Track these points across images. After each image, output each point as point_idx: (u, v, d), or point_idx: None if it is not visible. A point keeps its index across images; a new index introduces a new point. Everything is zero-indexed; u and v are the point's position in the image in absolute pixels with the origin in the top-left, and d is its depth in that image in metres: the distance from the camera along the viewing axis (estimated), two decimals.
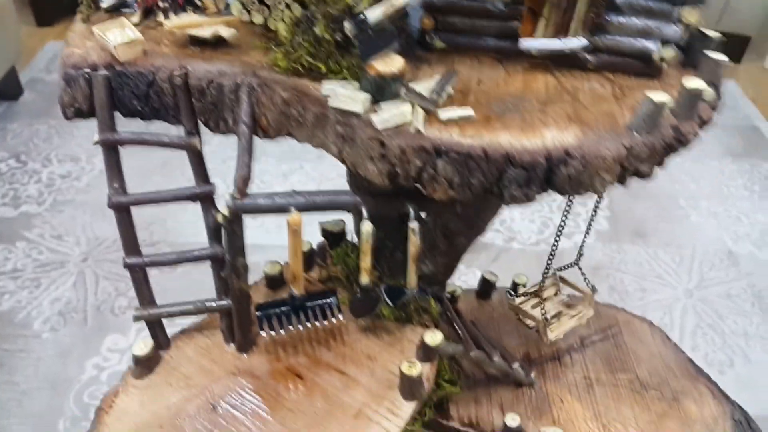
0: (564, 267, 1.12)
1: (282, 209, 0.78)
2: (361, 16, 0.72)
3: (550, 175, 0.73)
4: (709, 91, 0.80)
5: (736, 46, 3.06)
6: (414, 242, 0.81)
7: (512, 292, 1.09)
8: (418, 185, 0.74)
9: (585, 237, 1.08)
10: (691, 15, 0.79)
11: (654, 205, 2.29)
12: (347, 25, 0.73)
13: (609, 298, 1.91)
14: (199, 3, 0.96)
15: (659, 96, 0.72)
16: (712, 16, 2.93)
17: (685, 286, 1.99)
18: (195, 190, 0.85)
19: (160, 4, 0.94)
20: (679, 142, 0.76)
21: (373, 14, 0.73)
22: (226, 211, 0.77)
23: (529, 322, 1.04)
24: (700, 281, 2.01)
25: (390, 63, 0.76)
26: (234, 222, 0.79)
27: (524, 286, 1.14)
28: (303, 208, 0.79)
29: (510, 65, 0.86)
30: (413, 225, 0.80)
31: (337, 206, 0.80)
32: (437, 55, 0.87)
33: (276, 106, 0.81)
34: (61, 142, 2.37)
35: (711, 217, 2.27)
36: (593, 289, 1.09)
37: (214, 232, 0.85)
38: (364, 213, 0.80)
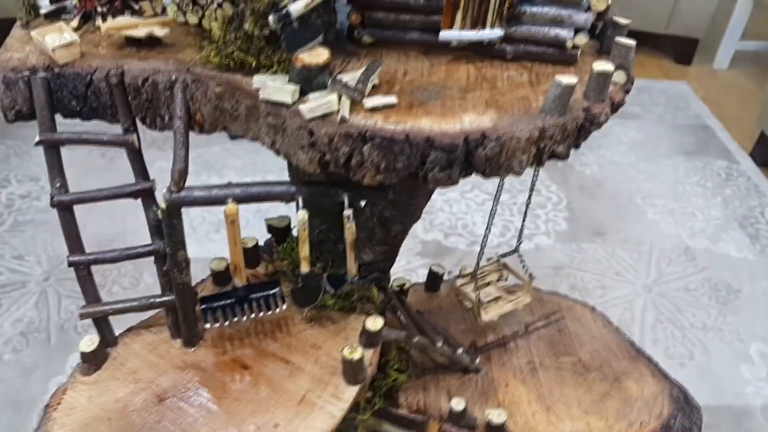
0: (506, 254, 1.17)
1: (219, 201, 0.82)
2: (284, 9, 0.78)
3: (470, 157, 0.79)
4: (619, 74, 0.87)
5: (685, 48, 3.19)
6: (350, 229, 0.85)
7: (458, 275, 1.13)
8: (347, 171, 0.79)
9: (523, 222, 1.14)
10: (599, 2, 0.86)
11: (611, 204, 2.37)
12: (271, 19, 0.78)
13: (570, 295, 1.96)
14: (136, 7, 1.00)
15: (567, 79, 0.78)
16: (661, 19, 3.06)
17: (644, 282, 2.05)
18: (135, 186, 0.89)
19: (98, 8, 0.98)
20: (590, 123, 0.82)
21: (296, 7, 0.78)
22: (164, 205, 0.81)
23: (467, 303, 1.09)
24: (659, 276, 2.08)
25: (316, 55, 0.81)
26: (173, 215, 0.83)
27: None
28: (240, 199, 0.83)
29: (435, 57, 0.92)
30: (347, 213, 0.84)
31: (273, 197, 0.85)
32: (366, 50, 0.93)
33: (210, 100, 0.86)
34: (19, 162, 2.38)
35: (667, 214, 2.35)
36: (531, 277, 1.14)
37: (155, 228, 0.89)
38: (300, 202, 0.84)
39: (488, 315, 1.06)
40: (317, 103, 0.79)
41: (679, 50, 3.20)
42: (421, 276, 2.07)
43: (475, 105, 0.82)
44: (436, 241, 2.14)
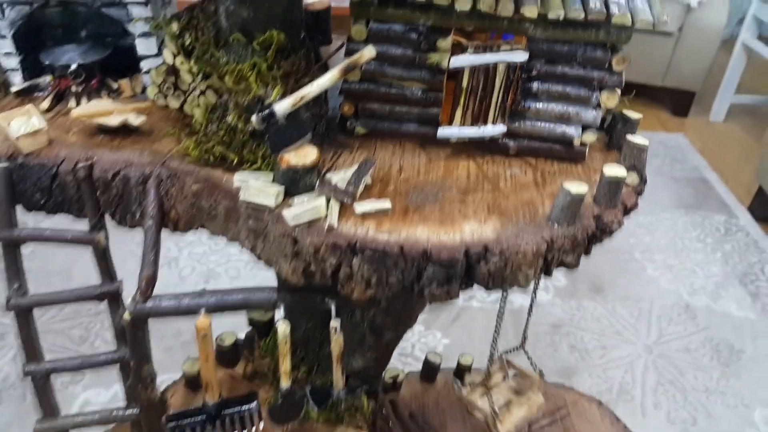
0: (510, 350, 1.08)
1: (190, 311, 0.73)
2: (269, 108, 0.69)
3: (471, 270, 0.70)
4: (632, 176, 0.78)
5: (682, 100, 3.15)
6: (337, 341, 0.76)
7: (459, 381, 1.03)
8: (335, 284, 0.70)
9: (528, 318, 1.05)
10: (609, 99, 0.78)
11: (610, 259, 2.28)
12: (254, 120, 0.70)
13: (570, 356, 1.88)
14: (115, 86, 0.92)
15: (577, 187, 0.69)
16: (658, 71, 3.02)
17: (645, 342, 1.97)
18: (100, 289, 0.80)
19: (73, 88, 0.90)
20: (602, 231, 0.73)
21: (282, 107, 0.70)
22: (127, 317, 0.71)
23: (478, 415, 0.99)
24: (659, 336, 2.00)
25: (303, 155, 0.73)
26: (138, 327, 0.73)
27: (470, 368, 1.09)
28: (214, 309, 0.74)
29: (433, 151, 0.84)
30: (335, 323, 0.75)
31: (253, 305, 0.75)
32: (359, 141, 0.85)
33: (186, 197, 0.77)
34: None
35: (667, 270, 2.28)
36: (541, 374, 1.05)
37: (121, 333, 0.79)
38: (282, 312, 0.75)
39: (505, 427, 0.96)
40: (303, 208, 0.71)
41: (676, 102, 3.17)
42: (420, 336, 1.98)
43: (476, 210, 0.74)
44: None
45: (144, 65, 0.91)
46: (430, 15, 0.74)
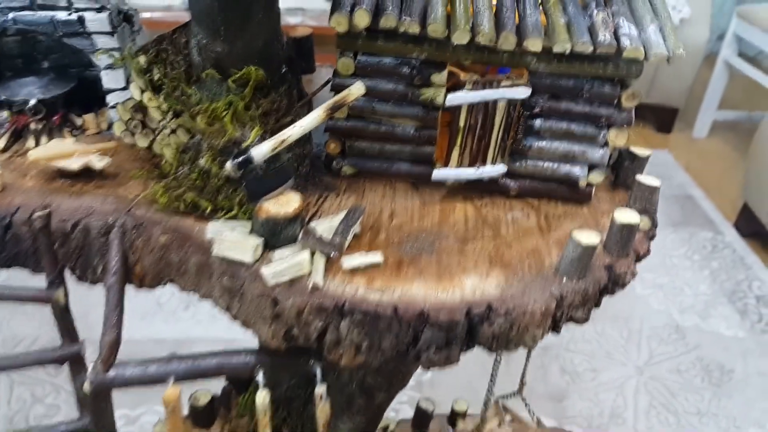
0: (507, 396, 1.00)
1: (158, 380, 0.63)
2: (245, 154, 0.61)
3: (473, 331, 0.61)
4: (643, 220, 0.71)
5: (665, 117, 3.12)
6: (323, 410, 0.67)
7: (452, 428, 0.95)
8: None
9: (525, 365, 0.97)
10: (618, 138, 0.70)
11: None
12: (228, 166, 0.61)
13: (560, 379, 1.82)
14: (78, 122, 0.83)
15: (587, 237, 0.61)
16: (641, 88, 2.98)
17: (636, 363, 1.92)
18: (60, 352, 0.70)
19: (32, 125, 0.80)
20: (615, 284, 0.65)
21: (260, 152, 0.61)
22: (87, 388, 0.62)
23: None
24: (650, 357, 1.95)
25: (285, 203, 0.64)
26: (100, 398, 0.64)
27: (464, 415, 1.01)
28: (185, 377, 0.64)
29: (426, 191, 0.75)
30: (320, 390, 0.66)
31: (228, 371, 0.66)
32: (347, 181, 0.76)
33: (153, 251, 0.68)
34: None
35: (656, 288, 2.23)
36: (539, 423, 0.97)
37: (83, 401, 0.69)
38: (261, 379, 0.66)
39: None
40: (284, 265, 0.62)
41: (660, 119, 3.13)
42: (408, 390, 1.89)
43: (477, 261, 0.65)
44: None
45: (110, 99, 0.81)
46: (423, 48, 0.66)
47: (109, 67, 0.80)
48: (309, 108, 0.66)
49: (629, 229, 0.65)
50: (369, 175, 0.76)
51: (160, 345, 1.84)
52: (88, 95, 0.84)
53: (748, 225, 2.54)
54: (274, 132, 0.64)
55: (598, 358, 1.93)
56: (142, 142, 0.78)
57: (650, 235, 0.72)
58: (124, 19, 0.81)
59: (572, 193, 0.74)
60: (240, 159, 0.60)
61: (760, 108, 3.22)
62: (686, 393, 1.84)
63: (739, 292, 2.27)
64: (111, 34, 0.79)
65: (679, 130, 3.21)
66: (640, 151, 0.76)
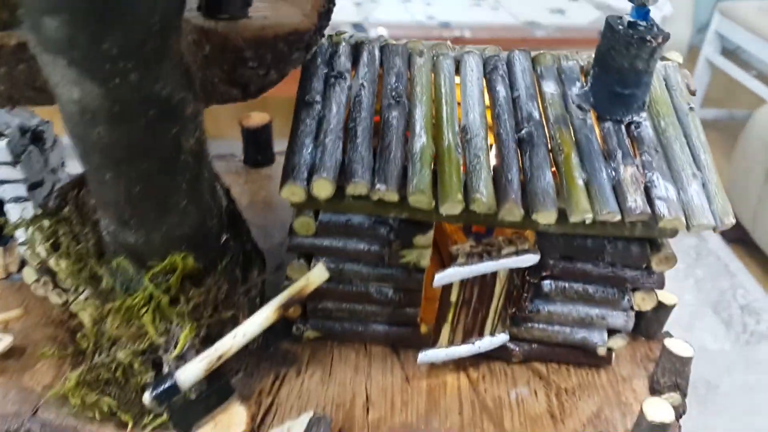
0: None
1: None
2: (167, 381, 0.44)
3: None
4: (673, 397, 0.56)
5: None
6: None
7: None
8: None
9: None
10: (645, 302, 0.55)
11: None
12: (146, 398, 0.44)
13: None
14: None
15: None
16: None
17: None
18: None
19: None
20: None
21: (187, 377, 0.44)
22: None
23: None
24: None
25: (227, 423, 0.48)
26: None
27: None
28: None
29: (410, 359, 0.59)
30: None
31: None
32: (311, 348, 0.60)
33: None
34: None
35: None
36: None
37: None
38: None
39: None
40: None
41: None
42: None
43: None
44: None
45: (18, 236, 0.63)
46: (404, 208, 0.49)
47: (15, 200, 0.62)
48: (257, 292, 0.50)
49: (661, 428, 0.51)
50: (338, 338, 0.60)
51: None
52: None
53: (732, 231, 2.42)
54: (211, 327, 0.48)
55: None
56: (56, 300, 0.61)
57: (679, 413, 0.57)
58: (32, 139, 0.63)
59: (588, 358, 0.59)
60: (161, 389, 0.43)
61: (741, 106, 3.08)
62: None
63: (723, 302, 2.18)
64: (13, 164, 0.60)
65: None
66: (666, 298, 0.60)
